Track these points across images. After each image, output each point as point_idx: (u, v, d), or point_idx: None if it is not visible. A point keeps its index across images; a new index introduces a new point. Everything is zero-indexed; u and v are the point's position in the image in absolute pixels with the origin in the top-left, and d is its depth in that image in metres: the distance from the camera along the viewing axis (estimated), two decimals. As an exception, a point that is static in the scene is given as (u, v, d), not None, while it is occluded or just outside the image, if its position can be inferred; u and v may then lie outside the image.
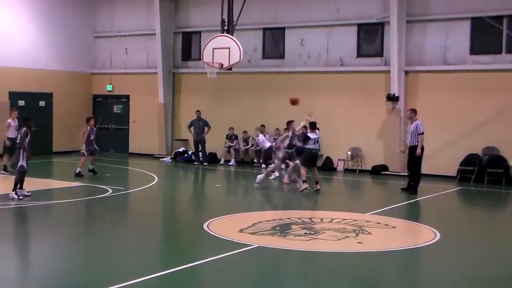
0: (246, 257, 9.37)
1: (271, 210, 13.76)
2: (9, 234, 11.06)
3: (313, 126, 16.10)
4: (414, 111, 15.96)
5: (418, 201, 15.11)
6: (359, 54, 20.94)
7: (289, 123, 16.87)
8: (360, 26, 20.87)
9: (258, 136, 20.16)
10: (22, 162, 13.63)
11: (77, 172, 17.47)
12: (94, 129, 18.39)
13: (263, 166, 19.65)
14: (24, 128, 13.79)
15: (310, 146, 15.92)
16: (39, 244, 10.37)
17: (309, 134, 15.92)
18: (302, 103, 20.27)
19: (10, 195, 13.58)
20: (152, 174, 18.88)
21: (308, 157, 16.00)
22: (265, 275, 8.57)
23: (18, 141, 13.78)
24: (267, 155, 19.56)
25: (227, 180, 19.96)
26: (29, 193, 13.91)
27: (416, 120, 15.70)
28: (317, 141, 16.17)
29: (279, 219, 12.08)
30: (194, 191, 18.27)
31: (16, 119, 17.84)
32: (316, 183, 15.84)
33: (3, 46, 22.83)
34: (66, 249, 9.92)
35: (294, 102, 16.65)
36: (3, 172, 17.64)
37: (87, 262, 9.10)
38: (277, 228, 11.22)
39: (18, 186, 13.71)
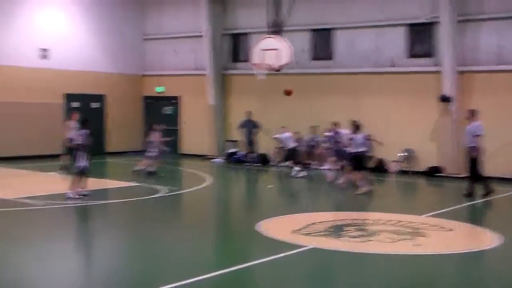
0: (300, 259, 9.34)
1: (324, 212, 13.68)
2: (67, 232, 11.30)
3: (356, 127, 15.94)
4: (473, 112, 15.51)
5: (475, 204, 14.78)
6: (410, 55, 20.68)
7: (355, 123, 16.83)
8: (410, 26, 20.60)
9: (283, 133, 19.83)
10: (81, 163, 13.93)
11: (135, 169, 17.82)
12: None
13: (295, 168, 19.33)
14: (86, 129, 14.14)
15: (354, 149, 15.76)
16: (96, 242, 10.58)
17: (352, 136, 15.81)
18: (351, 104, 20.23)
19: (67, 194, 13.89)
20: (205, 175, 19.03)
21: (354, 161, 15.87)
22: (319, 277, 8.52)
23: (80, 142, 14.09)
24: (291, 155, 19.51)
25: (279, 181, 19.95)
26: (88, 193, 14.20)
27: (475, 121, 15.28)
28: (362, 144, 15.87)
29: (333, 221, 12.01)
30: (246, 191, 18.34)
31: (76, 121, 18.22)
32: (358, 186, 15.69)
33: (59, 50, 23.40)
34: (121, 248, 10.09)
35: (288, 93, 17.09)
36: (60, 172, 18.01)
37: (141, 261, 9.21)
38: (331, 229, 11.16)
39: (80, 186, 14.04)
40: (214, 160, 23.56)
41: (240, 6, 24.16)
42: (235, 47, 24.70)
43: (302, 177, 18.65)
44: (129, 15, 26.04)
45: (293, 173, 18.86)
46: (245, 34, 24.11)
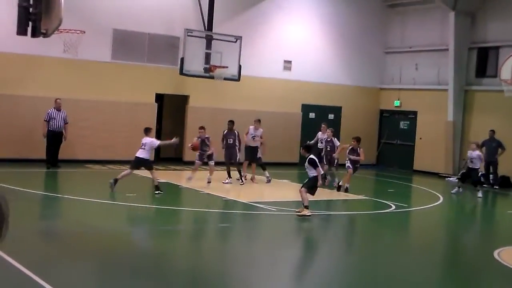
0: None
1: None
2: (290, 239, 11.47)
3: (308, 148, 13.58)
4: None
5: None
6: None
7: None
8: None
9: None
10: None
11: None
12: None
13: None
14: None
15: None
16: (314, 253, 10.54)
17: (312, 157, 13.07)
18: None
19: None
20: (437, 194, 18.13)
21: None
22: None
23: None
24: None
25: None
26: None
27: None
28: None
29: None
30: (482, 215, 17.07)
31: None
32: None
33: (300, 62, 24.12)
34: (342, 262, 9.95)
35: (194, 148, 15.87)
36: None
37: (365, 278, 8.94)
38: None
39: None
40: (448, 179, 22.40)
41: (492, 18, 22.65)
42: (482, 62, 23.24)
43: None
44: (371, 28, 25.92)
45: None
46: (495, 47, 22.56)
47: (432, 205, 16.11)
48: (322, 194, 16.01)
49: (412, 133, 25.24)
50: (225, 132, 17.63)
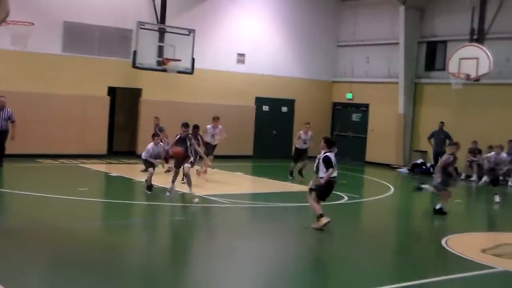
0: (488, 280, 8.69)
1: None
2: (242, 231, 11.56)
3: (331, 143, 11.47)
4: None
5: None
6: None
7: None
8: None
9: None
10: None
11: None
12: None
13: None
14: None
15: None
16: (265, 244, 10.65)
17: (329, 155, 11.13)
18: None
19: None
20: (388, 184, 18.51)
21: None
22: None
23: None
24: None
25: (468, 196, 18.80)
26: None
27: None
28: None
29: (529, 244, 10.97)
30: (431, 204, 17.44)
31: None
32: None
33: (253, 55, 24.21)
34: (292, 252, 10.08)
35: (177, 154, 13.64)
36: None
37: (317, 267, 9.10)
38: (527, 252, 10.20)
39: None
40: (399, 170, 22.89)
41: (439, 13, 23.18)
42: (431, 55, 23.79)
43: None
44: (323, 22, 26.18)
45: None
46: (443, 42, 23.12)
47: (383, 195, 16.44)
48: (276, 186, 16.17)
49: (364, 125, 25.66)
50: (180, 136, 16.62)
